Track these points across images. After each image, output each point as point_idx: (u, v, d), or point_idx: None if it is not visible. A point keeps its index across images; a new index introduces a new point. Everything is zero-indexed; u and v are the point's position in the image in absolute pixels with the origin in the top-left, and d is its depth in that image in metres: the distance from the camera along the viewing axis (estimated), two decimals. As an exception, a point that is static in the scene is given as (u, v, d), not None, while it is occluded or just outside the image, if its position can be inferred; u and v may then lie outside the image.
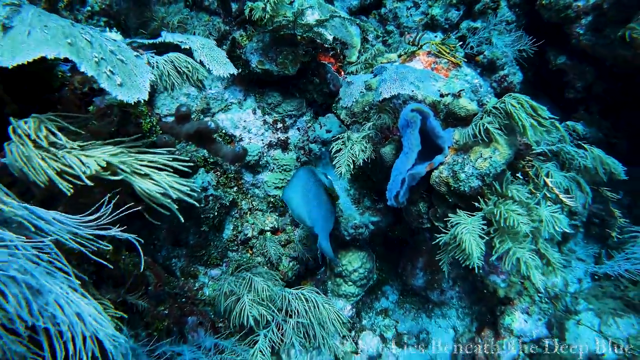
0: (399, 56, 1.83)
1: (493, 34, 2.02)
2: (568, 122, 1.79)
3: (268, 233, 1.98)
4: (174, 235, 1.82)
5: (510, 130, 1.32)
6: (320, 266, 2.05)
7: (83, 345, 0.68)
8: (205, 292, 1.81)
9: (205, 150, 1.84)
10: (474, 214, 1.36)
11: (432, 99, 1.52)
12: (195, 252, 1.84)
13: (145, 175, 0.95)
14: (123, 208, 0.90)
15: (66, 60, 0.90)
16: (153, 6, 2.02)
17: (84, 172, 0.87)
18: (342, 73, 2.09)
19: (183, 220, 0.99)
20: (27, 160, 0.88)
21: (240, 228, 1.93)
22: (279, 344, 1.67)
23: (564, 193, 1.46)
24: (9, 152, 0.90)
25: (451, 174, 1.38)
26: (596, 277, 1.98)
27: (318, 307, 1.70)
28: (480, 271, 1.78)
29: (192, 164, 1.09)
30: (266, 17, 1.69)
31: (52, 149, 0.91)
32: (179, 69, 1.30)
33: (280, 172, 2.01)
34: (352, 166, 1.54)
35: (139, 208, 0.93)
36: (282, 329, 1.68)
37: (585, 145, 1.63)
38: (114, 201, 0.91)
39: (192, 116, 1.68)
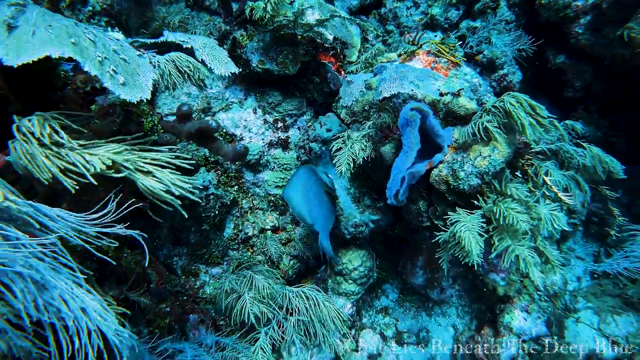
0: (399, 55, 1.84)
1: (492, 33, 2.03)
2: (567, 121, 1.81)
3: (269, 232, 1.99)
4: (175, 234, 1.83)
5: (510, 129, 1.33)
6: (320, 264, 2.06)
7: (88, 339, 0.69)
8: (206, 291, 1.82)
9: (206, 150, 1.85)
10: (474, 212, 1.37)
11: (431, 97, 1.53)
12: (196, 250, 1.85)
13: (148, 173, 0.96)
14: (127, 204, 0.91)
15: (69, 59, 0.91)
16: (154, 6, 2.04)
17: (88, 170, 0.88)
18: (342, 72, 2.10)
19: (187, 216, 1.00)
20: (31, 158, 0.89)
21: (241, 227, 1.94)
22: (280, 341, 1.68)
23: (563, 191, 1.47)
24: (13, 150, 0.91)
25: (451, 173, 1.39)
26: (595, 275, 1.99)
27: (319, 305, 1.71)
28: (480, 269, 1.80)
29: (193, 162, 1.10)
30: (267, 16, 1.70)
31: (55, 147, 0.92)
32: (180, 68, 1.31)
33: (280, 171, 2.02)
34: (352, 165, 1.55)
35: (145, 205, 0.94)
36: (283, 326, 1.69)
37: (584, 144, 1.64)
38: (117, 199, 0.92)
39: (193, 115, 1.69)
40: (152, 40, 1.37)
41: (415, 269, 2.11)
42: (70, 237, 0.82)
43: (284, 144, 2.03)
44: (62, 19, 0.93)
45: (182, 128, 1.35)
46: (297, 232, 1.99)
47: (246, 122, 1.99)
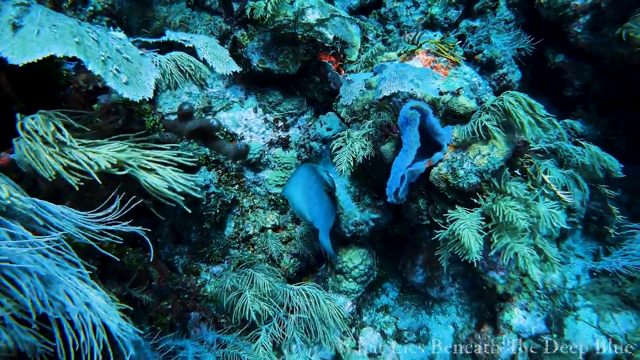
0: (399, 55, 1.85)
1: (492, 32, 2.04)
2: (566, 120, 1.81)
3: (269, 230, 2.00)
4: (176, 232, 1.84)
5: (509, 128, 1.34)
6: (321, 263, 2.07)
7: (93, 333, 0.70)
8: (207, 289, 1.83)
9: (207, 149, 1.86)
10: (473, 210, 1.38)
11: (431, 96, 1.54)
12: (197, 249, 1.86)
13: (151, 170, 0.97)
14: (129, 201, 0.92)
15: (72, 58, 0.92)
16: (155, 6, 2.04)
17: (92, 168, 0.89)
18: (343, 72, 2.11)
19: (190, 212, 1.01)
20: (35, 156, 0.90)
21: (241, 225, 1.95)
22: (281, 339, 1.69)
23: (562, 190, 1.48)
24: (17, 148, 0.92)
25: (450, 171, 1.40)
26: (594, 273, 2.00)
27: (319, 303, 1.72)
28: (480, 267, 1.81)
29: (195, 160, 1.11)
30: (267, 16, 1.71)
31: (58, 145, 0.93)
32: (181, 67, 1.32)
33: (281, 170, 2.03)
34: (352, 164, 1.56)
35: (149, 203, 0.95)
36: (284, 324, 1.70)
37: (583, 143, 1.65)
38: (120, 197, 0.93)
39: (194, 115, 1.70)
40: (154, 40, 1.38)
41: (415, 268, 2.12)
42: (74, 233, 0.83)
43: (285, 143, 2.04)
44: (66, 19, 0.94)
45: (184, 127, 1.36)
46: (298, 230, 2.00)
47: (247, 122, 2.00)
